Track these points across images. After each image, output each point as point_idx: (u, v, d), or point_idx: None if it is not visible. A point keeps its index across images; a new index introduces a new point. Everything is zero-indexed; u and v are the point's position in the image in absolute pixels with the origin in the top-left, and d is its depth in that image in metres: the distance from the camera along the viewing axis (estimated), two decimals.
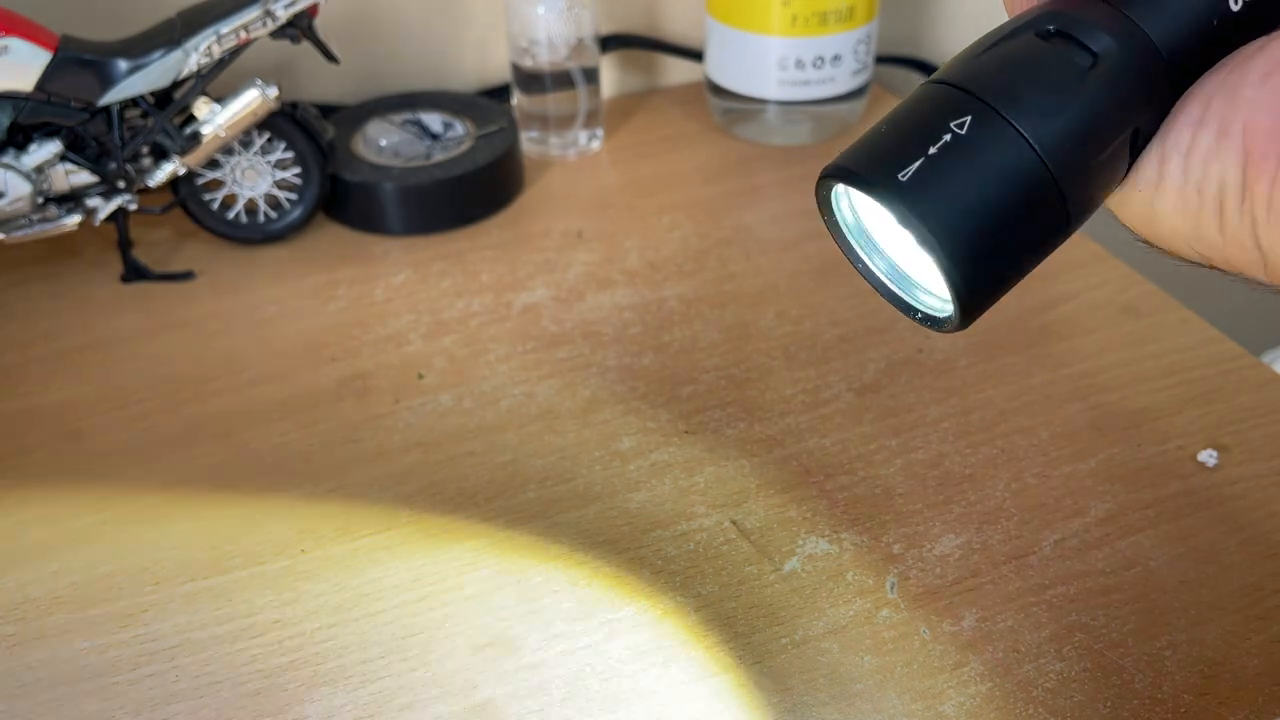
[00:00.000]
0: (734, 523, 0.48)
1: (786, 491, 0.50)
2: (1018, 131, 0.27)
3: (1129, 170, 0.29)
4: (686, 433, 0.53)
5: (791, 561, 0.46)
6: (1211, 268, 0.30)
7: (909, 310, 0.31)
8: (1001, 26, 0.29)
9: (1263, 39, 0.27)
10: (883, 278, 0.32)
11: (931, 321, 0.31)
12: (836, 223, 0.32)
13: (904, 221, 0.27)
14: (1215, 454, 0.50)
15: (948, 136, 0.27)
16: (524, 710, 0.41)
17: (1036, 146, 0.27)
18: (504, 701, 0.41)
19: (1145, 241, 0.31)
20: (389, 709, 0.41)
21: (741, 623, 0.44)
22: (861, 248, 0.32)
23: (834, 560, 0.46)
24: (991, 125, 0.27)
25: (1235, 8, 0.28)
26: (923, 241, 0.27)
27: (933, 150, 0.27)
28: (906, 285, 0.32)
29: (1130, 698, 0.41)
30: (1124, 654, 0.42)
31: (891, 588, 0.45)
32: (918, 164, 0.27)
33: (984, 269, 0.28)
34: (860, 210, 0.32)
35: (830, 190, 0.31)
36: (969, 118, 0.27)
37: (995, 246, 0.27)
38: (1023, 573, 0.45)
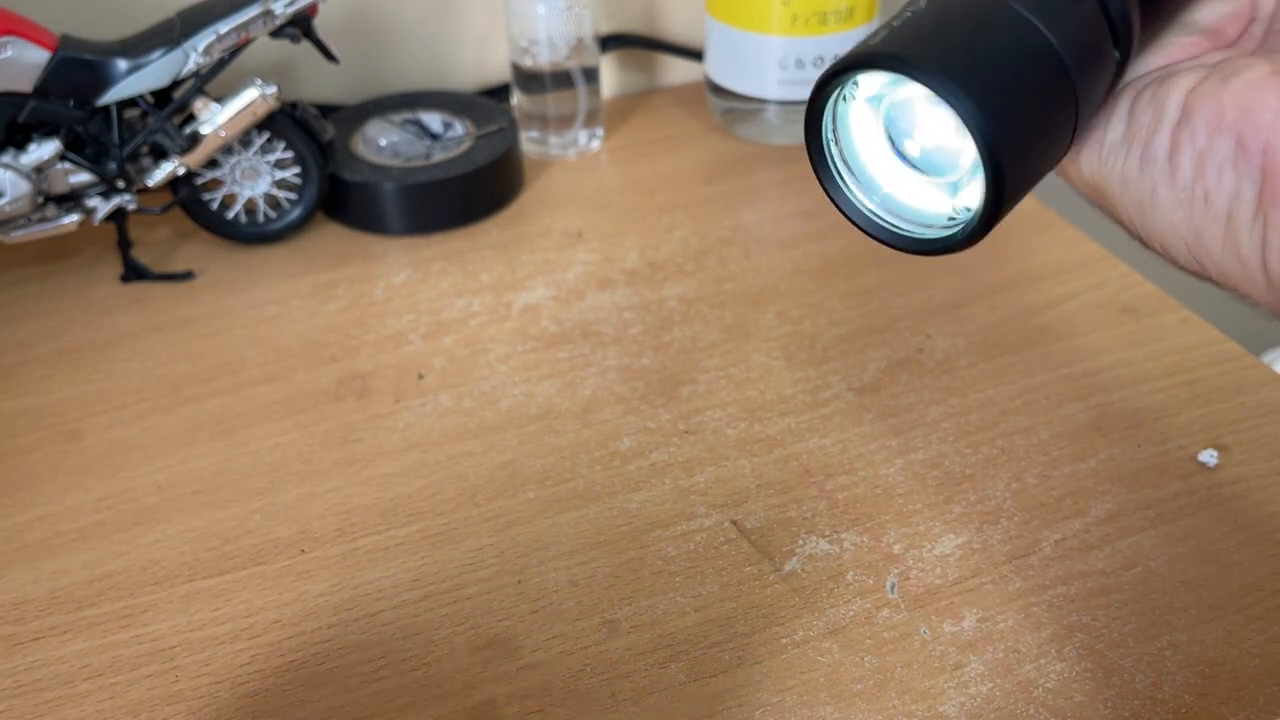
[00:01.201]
0: (734, 523, 0.48)
1: (786, 491, 0.49)
2: None
3: (1122, 73, 0.29)
4: (686, 433, 0.53)
5: (791, 561, 0.46)
6: (1201, 276, 0.30)
7: (910, 244, 0.31)
8: None
9: (1265, 62, 0.27)
10: (881, 215, 0.31)
11: (941, 244, 0.30)
12: (828, 165, 0.31)
13: (887, 67, 0.27)
14: (1216, 454, 0.50)
15: (908, 13, 0.28)
16: (524, 710, 0.41)
17: None
18: (504, 701, 0.41)
19: (1139, 239, 0.31)
20: (389, 709, 0.41)
21: (741, 623, 0.44)
22: (856, 185, 0.31)
23: (834, 560, 0.46)
24: None
25: None
26: (922, 77, 0.26)
27: (895, 23, 0.28)
28: (901, 219, 0.31)
29: (1131, 698, 0.41)
30: (1125, 654, 0.42)
31: (892, 588, 0.45)
32: (882, 33, 0.28)
33: (988, 95, 0.26)
34: (853, 142, 0.31)
35: (821, 131, 0.30)
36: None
37: (991, 71, 0.27)
38: (1023, 573, 0.45)
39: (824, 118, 0.30)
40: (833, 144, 0.31)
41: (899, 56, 0.27)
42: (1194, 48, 0.31)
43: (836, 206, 0.32)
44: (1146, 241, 0.31)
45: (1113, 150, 0.30)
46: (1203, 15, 0.31)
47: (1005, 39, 0.27)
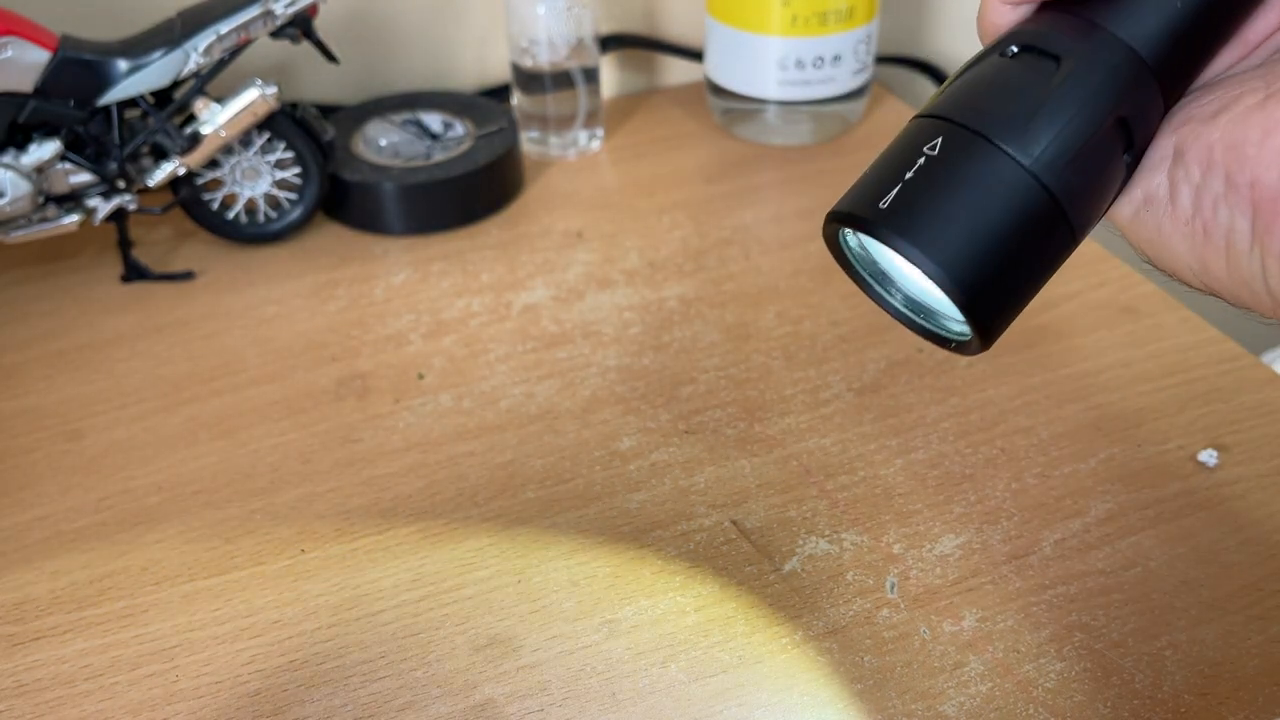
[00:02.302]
0: (734, 523, 0.48)
1: (786, 491, 0.49)
2: (987, 140, 0.27)
3: (1133, 169, 0.29)
4: (686, 433, 0.53)
5: (791, 561, 0.46)
6: (1214, 295, 0.30)
7: (938, 339, 0.32)
8: (972, 56, 0.30)
9: (1258, 89, 0.27)
10: (904, 310, 0.32)
11: (959, 345, 0.31)
12: (850, 264, 0.32)
13: (893, 247, 0.27)
14: (1215, 454, 0.50)
15: (921, 160, 0.28)
16: (524, 710, 0.41)
17: (1008, 149, 0.27)
18: (504, 701, 0.41)
19: (1151, 263, 0.31)
20: (388, 709, 0.41)
21: (741, 623, 0.44)
22: (878, 284, 0.32)
23: (834, 560, 0.46)
24: (961, 139, 0.28)
25: None
26: (915, 263, 0.27)
27: (908, 175, 0.28)
28: (928, 314, 0.32)
29: (1130, 698, 0.41)
30: (1124, 654, 0.42)
31: (891, 588, 0.45)
32: (896, 190, 0.28)
33: (983, 279, 0.28)
34: (869, 248, 0.32)
35: (837, 234, 0.31)
36: (940, 139, 0.28)
37: (990, 254, 0.27)
38: (1023, 573, 0.45)
39: (839, 238, 0.32)
40: (859, 252, 0.32)
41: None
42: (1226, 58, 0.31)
43: (869, 298, 0.33)
44: (1158, 267, 0.31)
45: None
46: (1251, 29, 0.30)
47: (1000, 203, 0.27)
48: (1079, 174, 0.28)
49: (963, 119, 0.28)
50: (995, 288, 0.28)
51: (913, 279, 0.31)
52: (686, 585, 0.45)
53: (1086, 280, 0.62)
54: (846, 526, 0.48)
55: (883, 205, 0.28)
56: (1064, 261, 0.29)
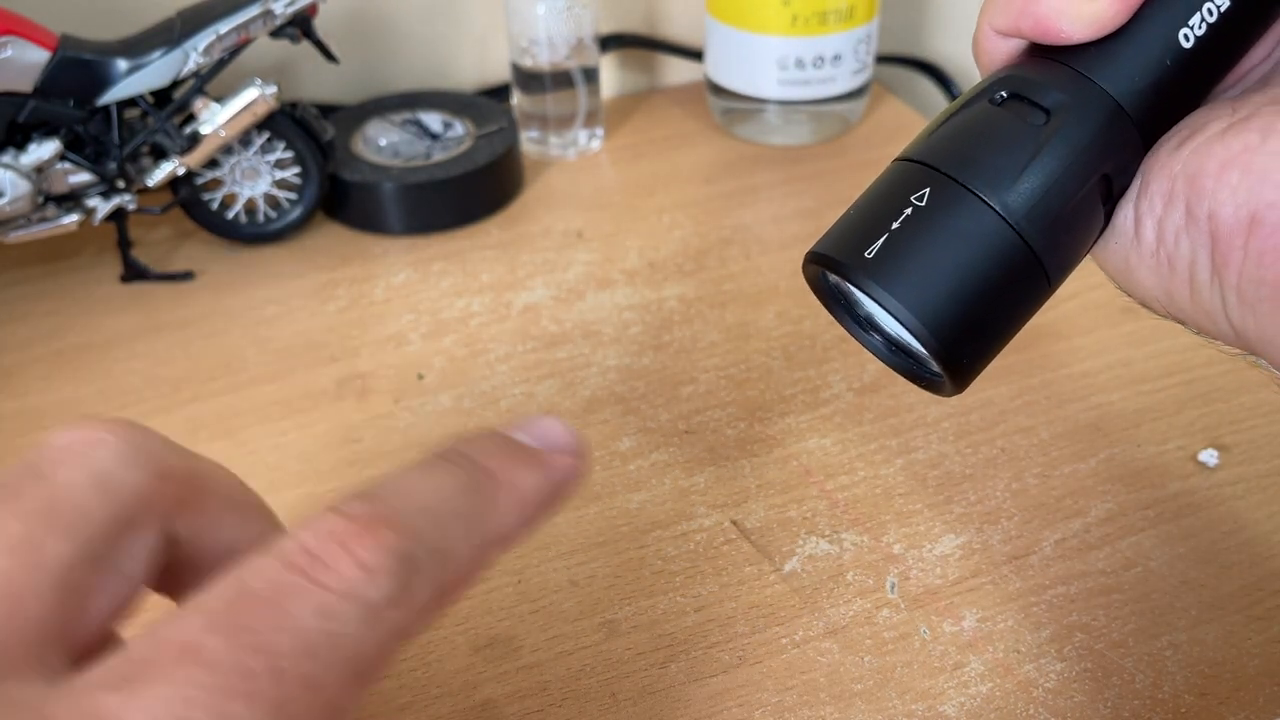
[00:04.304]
0: (734, 523, 0.48)
1: (786, 491, 0.49)
2: (975, 195, 0.28)
3: (1110, 217, 0.30)
4: (686, 433, 0.53)
5: (791, 561, 0.46)
6: (1183, 324, 0.31)
7: (915, 378, 0.32)
8: (959, 98, 0.30)
9: (1224, 117, 0.28)
10: (881, 347, 0.32)
11: (932, 385, 0.32)
12: (829, 299, 0.32)
13: (875, 298, 0.28)
14: (1216, 454, 0.50)
15: (909, 210, 0.28)
16: (524, 710, 0.41)
17: (996, 206, 0.28)
18: (504, 701, 0.41)
19: (1122, 290, 0.32)
20: (388, 709, 0.41)
21: (741, 623, 0.44)
22: (855, 320, 0.32)
23: (834, 560, 0.46)
24: (950, 193, 0.28)
25: (1187, 45, 0.28)
26: (896, 315, 0.27)
27: (895, 225, 0.28)
28: (904, 354, 0.32)
29: (1131, 698, 0.41)
30: (1124, 654, 0.42)
31: (892, 588, 0.45)
32: (881, 240, 0.28)
33: (963, 334, 0.28)
34: (847, 289, 0.32)
35: (818, 272, 0.32)
36: (928, 189, 0.28)
37: (971, 310, 0.28)
38: (1023, 573, 0.45)
39: (821, 276, 0.32)
40: (837, 291, 0.33)
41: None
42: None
43: (847, 331, 0.33)
44: (1129, 295, 0.32)
45: None
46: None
47: (984, 259, 0.28)
48: (1062, 231, 0.28)
49: (951, 170, 0.28)
50: (974, 341, 0.29)
51: (891, 323, 0.32)
52: (686, 585, 0.45)
53: (1086, 280, 0.62)
54: (846, 526, 0.48)
55: (868, 254, 0.28)
56: (1039, 309, 0.30)
